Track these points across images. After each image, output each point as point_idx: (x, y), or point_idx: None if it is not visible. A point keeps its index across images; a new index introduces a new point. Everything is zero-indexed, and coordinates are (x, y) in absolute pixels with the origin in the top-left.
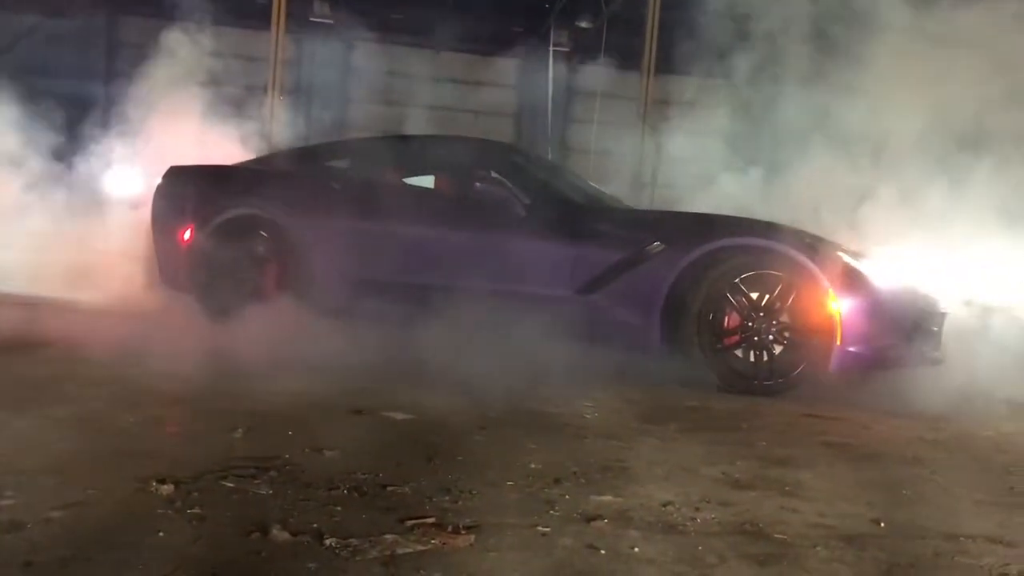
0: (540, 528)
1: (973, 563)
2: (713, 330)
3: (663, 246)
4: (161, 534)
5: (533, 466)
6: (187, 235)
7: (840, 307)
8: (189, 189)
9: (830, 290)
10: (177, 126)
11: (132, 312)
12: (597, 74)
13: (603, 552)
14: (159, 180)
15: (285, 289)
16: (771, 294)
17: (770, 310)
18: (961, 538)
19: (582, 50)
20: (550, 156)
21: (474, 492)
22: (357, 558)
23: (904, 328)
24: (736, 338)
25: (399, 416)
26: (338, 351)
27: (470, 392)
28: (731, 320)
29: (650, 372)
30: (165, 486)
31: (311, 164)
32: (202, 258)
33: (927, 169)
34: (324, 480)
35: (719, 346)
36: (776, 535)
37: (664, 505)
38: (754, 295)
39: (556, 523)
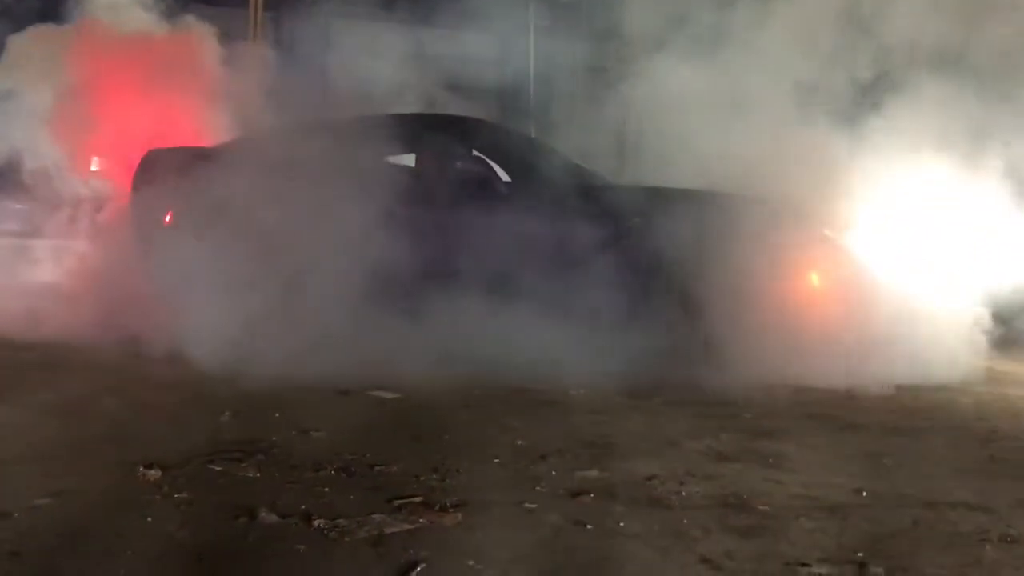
0: (527, 504)
1: (953, 531)
2: (696, 304)
3: (645, 221)
4: (148, 519)
5: (519, 443)
6: (168, 218)
7: (823, 280)
8: (169, 172)
9: (813, 264)
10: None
11: (112, 297)
12: (579, 49)
13: (589, 527)
14: (139, 164)
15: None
16: (755, 268)
17: (753, 284)
18: (941, 506)
19: (564, 25)
20: (532, 132)
21: (461, 470)
22: (345, 538)
23: (884, 299)
24: (719, 311)
25: (385, 396)
26: (325, 332)
27: (456, 371)
28: (714, 293)
29: (634, 347)
30: (152, 471)
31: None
32: (183, 241)
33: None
34: (311, 462)
35: (702, 319)
36: (760, 507)
37: (649, 479)
38: (737, 269)
39: (542, 499)
